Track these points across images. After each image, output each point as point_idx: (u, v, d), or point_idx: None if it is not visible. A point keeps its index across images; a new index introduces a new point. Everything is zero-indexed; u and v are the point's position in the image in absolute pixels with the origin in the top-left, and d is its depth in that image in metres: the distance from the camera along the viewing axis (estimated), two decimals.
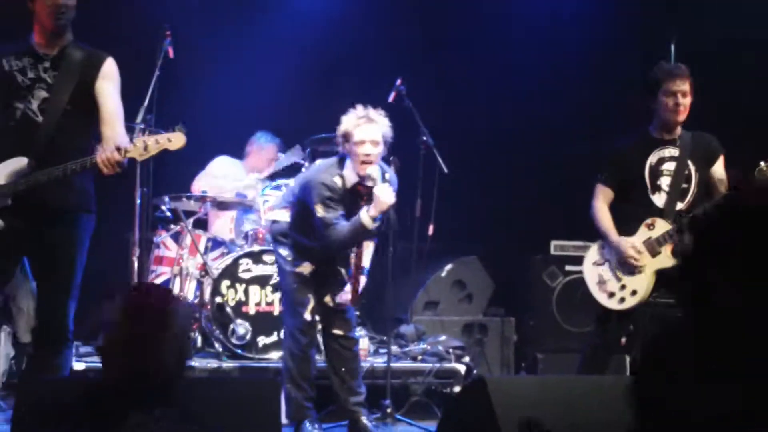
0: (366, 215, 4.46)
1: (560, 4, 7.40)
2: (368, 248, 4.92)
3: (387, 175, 4.72)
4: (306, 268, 4.75)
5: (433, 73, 7.36)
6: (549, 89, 7.21)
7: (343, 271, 4.88)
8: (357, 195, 4.64)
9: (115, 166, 3.54)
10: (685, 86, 4.50)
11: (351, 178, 4.59)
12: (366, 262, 4.89)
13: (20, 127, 3.74)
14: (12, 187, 3.68)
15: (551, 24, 7.33)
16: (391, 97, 6.16)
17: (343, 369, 4.83)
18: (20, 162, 3.69)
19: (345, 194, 4.60)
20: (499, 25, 7.44)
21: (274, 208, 5.05)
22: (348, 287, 4.81)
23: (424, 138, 6.18)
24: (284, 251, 4.80)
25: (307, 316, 4.72)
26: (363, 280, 4.85)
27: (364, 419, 4.81)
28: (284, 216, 4.86)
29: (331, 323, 4.86)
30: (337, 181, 4.59)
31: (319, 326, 4.97)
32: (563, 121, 7.23)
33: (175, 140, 3.54)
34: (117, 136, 3.71)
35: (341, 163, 4.64)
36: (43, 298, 3.87)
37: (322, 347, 5.02)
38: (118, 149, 3.52)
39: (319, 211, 4.55)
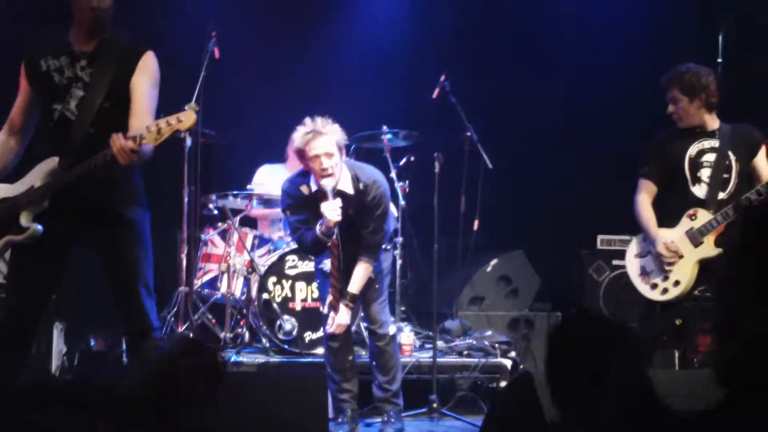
0: (318, 228, 4.53)
1: None
2: (359, 272, 4.69)
3: (362, 185, 4.65)
4: (326, 264, 4.80)
5: (477, 68, 7.35)
6: (596, 84, 7.16)
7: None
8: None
9: (130, 155, 3.37)
10: (672, 93, 4.58)
11: (315, 186, 4.61)
12: (355, 287, 4.68)
13: (57, 128, 3.67)
14: (44, 190, 3.61)
15: (598, 19, 7.28)
16: (435, 93, 6.16)
17: (374, 363, 4.86)
18: (52, 162, 3.62)
19: (312, 201, 4.60)
20: (545, 20, 7.41)
21: None
22: (332, 313, 4.69)
23: (469, 134, 6.17)
24: None
25: (324, 309, 4.81)
26: (343, 310, 4.66)
27: (385, 417, 4.81)
28: None
29: (364, 316, 4.97)
30: (303, 190, 4.64)
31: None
32: (610, 116, 7.18)
33: (186, 119, 3.36)
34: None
35: (307, 174, 4.65)
36: (116, 301, 3.77)
37: None
38: (133, 137, 3.38)
39: (287, 215, 4.74)
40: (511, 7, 7.50)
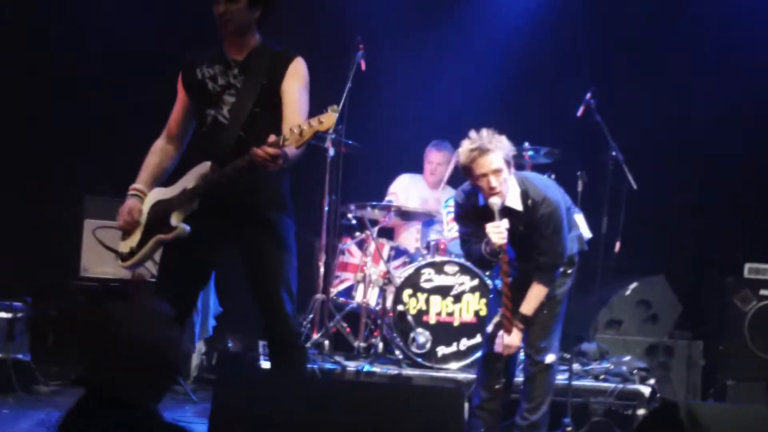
0: (484, 247, 4.33)
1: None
2: (532, 293, 4.44)
3: (530, 201, 4.39)
4: (499, 282, 4.60)
5: (624, 86, 7.17)
6: (749, 108, 6.87)
7: None
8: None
9: (275, 159, 3.43)
10: None
11: (482, 201, 4.39)
12: (526, 308, 4.43)
13: (210, 133, 3.78)
14: (195, 191, 3.72)
15: (753, 27, 6.99)
16: (580, 111, 6.02)
17: (522, 386, 4.70)
18: (204, 166, 3.73)
19: (481, 214, 4.38)
20: (697, 33, 7.14)
21: None
22: (501, 332, 4.44)
23: (614, 153, 6.01)
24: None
25: (489, 327, 4.64)
26: (514, 332, 4.39)
27: None
28: None
29: (524, 338, 4.64)
30: (472, 200, 4.45)
31: None
32: (763, 138, 6.89)
33: (326, 120, 3.36)
34: None
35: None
36: (258, 306, 3.83)
37: None
38: (275, 141, 3.42)
39: (455, 226, 4.61)
40: (659, 21, 7.28)
